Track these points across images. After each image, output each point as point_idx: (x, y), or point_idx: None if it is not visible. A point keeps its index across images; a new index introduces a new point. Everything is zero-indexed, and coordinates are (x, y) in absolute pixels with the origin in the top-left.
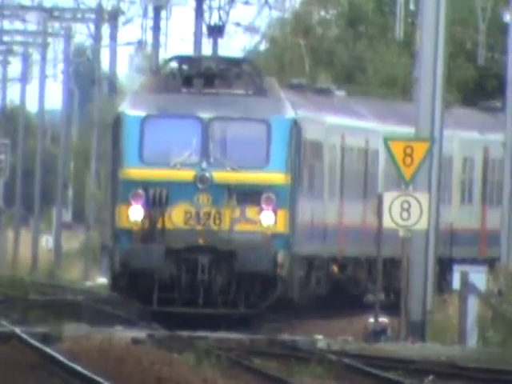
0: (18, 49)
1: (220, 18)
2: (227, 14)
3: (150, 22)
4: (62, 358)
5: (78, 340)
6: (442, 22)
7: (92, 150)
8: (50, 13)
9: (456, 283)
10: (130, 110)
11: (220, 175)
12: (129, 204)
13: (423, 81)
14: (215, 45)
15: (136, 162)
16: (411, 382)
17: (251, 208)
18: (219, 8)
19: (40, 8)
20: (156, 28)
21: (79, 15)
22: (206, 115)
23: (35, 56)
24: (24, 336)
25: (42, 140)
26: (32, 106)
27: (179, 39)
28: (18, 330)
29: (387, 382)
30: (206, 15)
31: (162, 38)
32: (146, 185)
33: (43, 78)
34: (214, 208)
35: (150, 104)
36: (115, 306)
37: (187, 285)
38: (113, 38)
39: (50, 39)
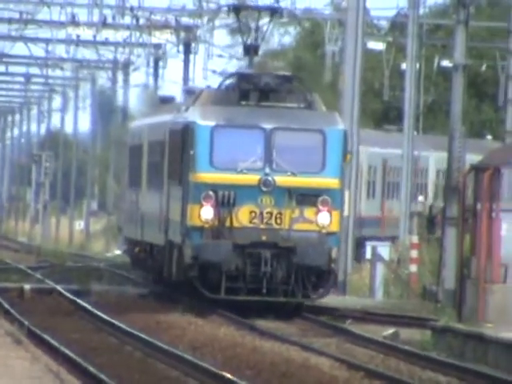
0: (58, 89)
1: (256, 38)
2: (263, 35)
3: (151, 70)
4: (89, 307)
5: (100, 294)
6: (358, 69)
7: (111, 159)
8: (80, 63)
9: (368, 254)
10: (201, 120)
11: (281, 179)
12: (200, 204)
13: (345, 111)
14: (250, 62)
15: (207, 167)
16: (336, 323)
17: (309, 209)
18: (256, 29)
19: (73, 59)
20: (155, 74)
21: (101, 65)
22: (268, 126)
23: (70, 94)
24: (62, 291)
25: (75, 152)
26: (68, 129)
27: (172, 82)
28: (58, 286)
29: (320, 324)
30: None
31: (159, 81)
32: (215, 187)
33: (76, 109)
34: (275, 209)
35: (217, 115)
36: (127, 271)
37: (251, 276)
38: (125, 81)
39: (80, 82)
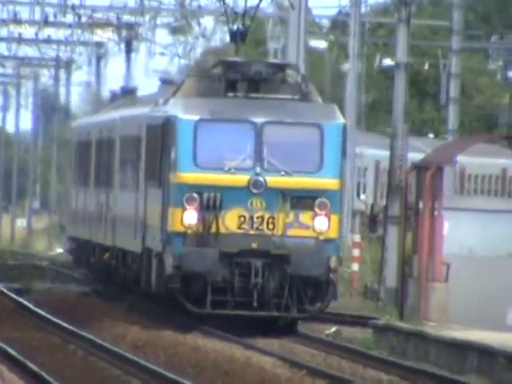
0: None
1: (243, 24)
2: (251, 20)
3: (93, 68)
4: (31, 306)
5: (43, 293)
6: (301, 67)
7: (53, 158)
8: (22, 60)
9: None
10: (183, 113)
11: (274, 180)
12: (183, 208)
13: None
14: (237, 50)
15: (190, 166)
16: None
17: (305, 213)
18: (244, 14)
19: (15, 57)
20: (98, 72)
21: (43, 63)
22: (258, 119)
23: (12, 92)
24: (4, 289)
25: (17, 151)
26: (10, 127)
27: (114, 79)
28: (0, 285)
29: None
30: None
31: (102, 79)
32: (200, 189)
33: (18, 107)
34: (267, 212)
35: (201, 108)
36: (70, 269)
37: (240, 288)
38: (67, 79)
39: (22, 80)
